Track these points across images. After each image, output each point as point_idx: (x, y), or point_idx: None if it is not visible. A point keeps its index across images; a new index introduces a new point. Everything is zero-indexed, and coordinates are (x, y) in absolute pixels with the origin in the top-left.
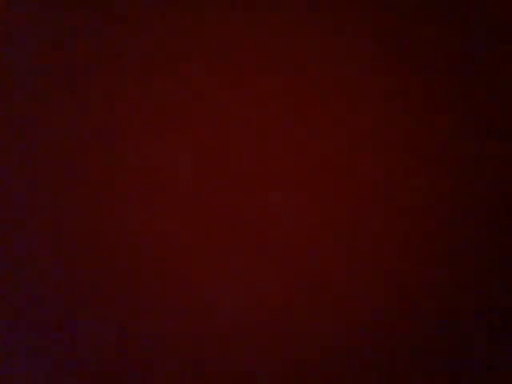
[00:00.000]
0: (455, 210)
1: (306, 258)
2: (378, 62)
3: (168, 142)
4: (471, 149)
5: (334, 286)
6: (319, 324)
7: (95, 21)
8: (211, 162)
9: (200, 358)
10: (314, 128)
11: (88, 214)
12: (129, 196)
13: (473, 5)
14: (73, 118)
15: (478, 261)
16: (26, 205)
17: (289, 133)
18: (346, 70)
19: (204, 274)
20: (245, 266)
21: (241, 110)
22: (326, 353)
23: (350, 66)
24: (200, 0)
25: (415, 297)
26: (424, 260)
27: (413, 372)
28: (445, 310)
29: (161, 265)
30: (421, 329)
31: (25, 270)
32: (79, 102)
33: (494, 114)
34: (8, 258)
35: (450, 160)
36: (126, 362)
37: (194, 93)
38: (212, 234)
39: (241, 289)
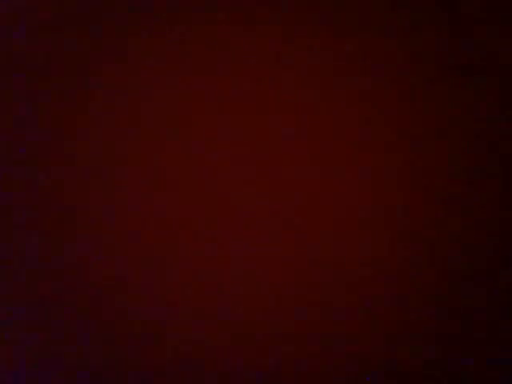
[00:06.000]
0: (456, 210)
1: (307, 256)
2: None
3: (168, 146)
4: (472, 149)
5: (333, 285)
6: (319, 325)
7: (95, 21)
8: (211, 163)
9: (202, 358)
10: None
11: (87, 214)
12: (128, 197)
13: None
14: (73, 118)
15: (477, 260)
16: (23, 203)
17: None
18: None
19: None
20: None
21: (242, 110)
22: (324, 352)
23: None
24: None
25: (414, 299)
26: (424, 261)
27: (413, 372)
28: (445, 313)
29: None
30: (421, 331)
31: (24, 271)
32: (79, 103)
33: (494, 116)
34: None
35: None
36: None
37: (194, 95)
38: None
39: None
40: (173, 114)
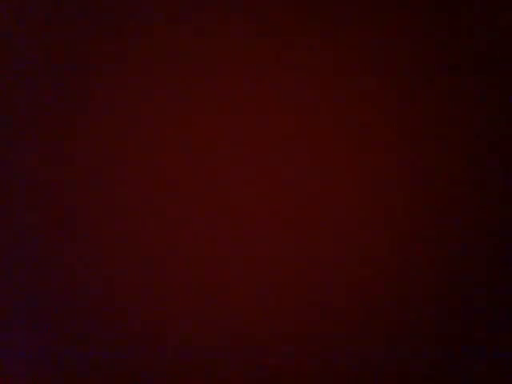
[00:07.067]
0: (454, 209)
1: (307, 257)
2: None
3: (168, 146)
4: (471, 148)
5: (333, 284)
6: (319, 325)
7: (95, 21)
8: (211, 163)
9: (209, 358)
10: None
11: (87, 214)
12: (129, 196)
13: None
14: (73, 118)
15: (477, 259)
16: (24, 203)
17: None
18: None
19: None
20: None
21: (242, 110)
22: (324, 354)
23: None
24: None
25: (414, 299)
26: (424, 261)
27: (413, 371)
28: (445, 311)
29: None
30: (421, 331)
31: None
32: (79, 103)
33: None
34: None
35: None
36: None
37: (194, 95)
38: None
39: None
40: (173, 114)
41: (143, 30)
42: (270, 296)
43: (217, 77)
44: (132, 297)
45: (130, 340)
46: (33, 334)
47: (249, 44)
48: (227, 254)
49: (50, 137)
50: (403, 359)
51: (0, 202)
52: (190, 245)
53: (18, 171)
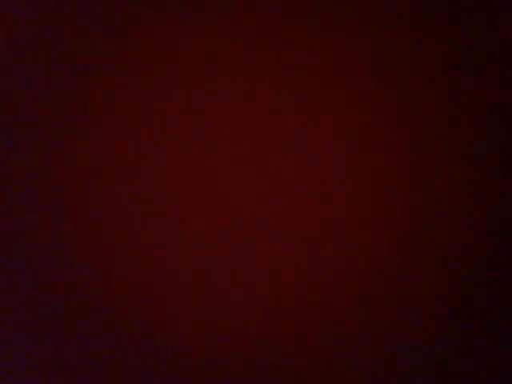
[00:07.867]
0: (454, 208)
1: (307, 256)
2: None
3: (168, 146)
4: (470, 148)
5: (332, 282)
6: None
7: (96, 21)
8: (211, 163)
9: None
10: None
11: (87, 214)
12: (129, 196)
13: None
14: (73, 118)
15: (476, 258)
16: (26, 205)
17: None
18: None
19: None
20: (247, 266)
21: (242, 110)
22: (324, 356)
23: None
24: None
25: (414, 299)
26: (424, 261)
27: (413, 372)
28: (445, 312)
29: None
30: (421, 331)
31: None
32: (79, 103)
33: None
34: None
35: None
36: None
37: (194, 95)
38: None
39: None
40: (173, 113)
41: (143, 30)
42: (269, 296)
43: (217, 77)
44: (132, 297)
45: (130, 340)
46: (32, 334)
47: (249, 44)
48: (227, 254)
49: (50, 137)
50: (403, 359)
51: (0, 202)
52: (190, 245)
53: (17, 171)
